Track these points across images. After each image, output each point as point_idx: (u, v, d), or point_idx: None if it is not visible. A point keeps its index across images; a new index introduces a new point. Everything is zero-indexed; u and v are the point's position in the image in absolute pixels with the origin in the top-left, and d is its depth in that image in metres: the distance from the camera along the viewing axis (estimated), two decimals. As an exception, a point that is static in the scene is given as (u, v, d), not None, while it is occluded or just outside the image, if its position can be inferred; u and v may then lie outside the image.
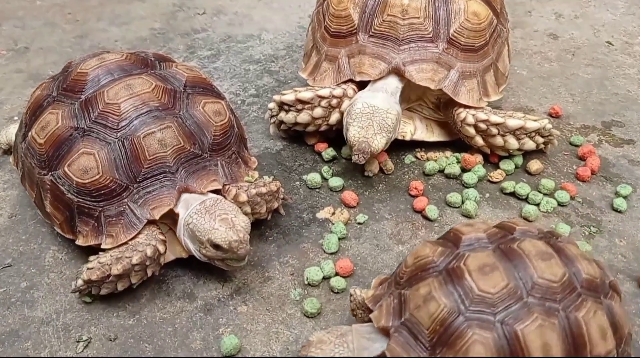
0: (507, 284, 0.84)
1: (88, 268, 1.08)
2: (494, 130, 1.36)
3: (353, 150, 1.29)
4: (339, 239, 1.28)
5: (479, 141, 1.39)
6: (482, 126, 1.36)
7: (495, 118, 1.35)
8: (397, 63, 1.37)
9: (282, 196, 1.30)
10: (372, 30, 1.40)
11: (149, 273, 1.10)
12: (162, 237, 1.11)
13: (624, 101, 1.66)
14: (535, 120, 1.36)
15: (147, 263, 1.08)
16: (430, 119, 1.49)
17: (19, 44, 1.94)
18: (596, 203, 1.36)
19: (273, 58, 1.87)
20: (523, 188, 1.37)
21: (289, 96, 1.41)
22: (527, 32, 1.97)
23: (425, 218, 1.33)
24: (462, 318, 0.83)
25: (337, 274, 1.20)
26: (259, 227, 1.30)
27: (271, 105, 1.47)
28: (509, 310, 0.82)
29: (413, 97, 1.45)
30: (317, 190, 1.41)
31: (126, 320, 1.12)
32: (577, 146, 1.51)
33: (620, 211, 1.33)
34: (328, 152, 1.48)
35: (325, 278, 1.20)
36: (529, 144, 1.39)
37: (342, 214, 1.33)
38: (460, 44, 1.39)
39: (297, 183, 1.43)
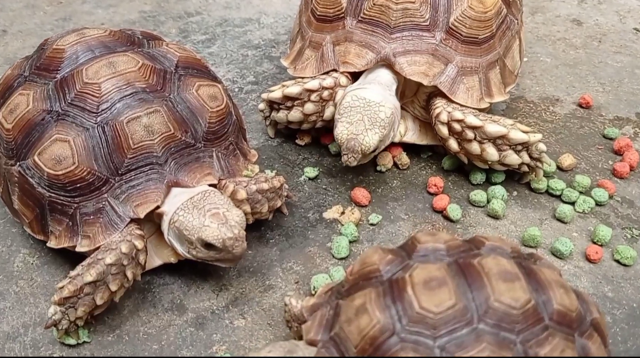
0: (454, 304, 0.70)
1: (58, 288, 0.91)
2: (470, 134, 1.16)
3: (342, 149, 1.13)
4: (350, 242, 1.13)
5: (453, 145, 1.19)
6: (457, 126, 1.16)
7: (472, 119, 1.15)
8: (386, 53, 1.21)
9: (285, 194, 1.15)
10: (362, 15, 1.24)
11: (129, 275, 0.94)
12: (139, 232, 0.96)
13: (659, 91, 1.51)
14: (525, 132, 1.15)
15: (125, 262, 0.92)
16: (422, 121, 1.31)
17: (-4, 26, 1.78)
18: (637, 203, 1.22)
19: (274, 43, 1.71)
20: (557, 184, 1.22)
21: (275, 93, 1.25)
22: (548, 18, 1.82)
23: (447, 218, 1.18)
24: (396, 338, 0.69)
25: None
26: (259, 228, 1.15)
27: (261, 106, 1.31)
28: (453, 335, 0.68)
29: (408, 93, 1.28)
30: (324, 187, 1.25)
31: (104, 335, 0.97)
32: (611, 139, 1.36)
33: (665, 212, 1.19)
34: (335, 144, 1.32)
35: (336, 287, 1.04)
36: (512, 159, 1.15)
37: (352, 214, 1.18)
38: (461, 35, 1.22)
39: (302, 178, 1.27)
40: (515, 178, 1.25)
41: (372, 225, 1.17)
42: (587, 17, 1.82)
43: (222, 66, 1.61)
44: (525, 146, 1.16)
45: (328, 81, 1.22)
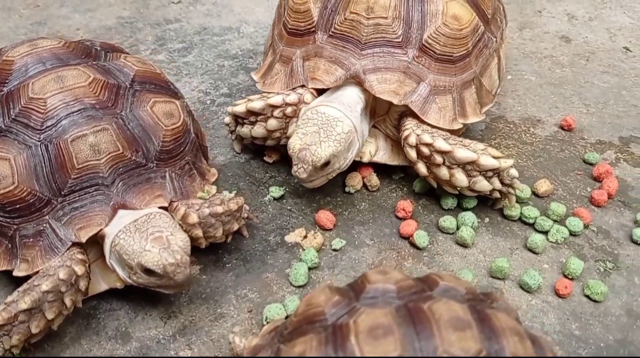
0: (399, 356, 0.64)
1: None
2: (438, 158, 1.11)
3: (293, 159, 1.08)
4: (310, 269, 1.08)
5: (422, 168, 1.14)
6: (425, 150, 1.11)
7: (441, 143, 1.10)
8: (356, 70, 1.16)
9: (245, 216, 1.10)
10: (333, 29, 1.19)
11: (68, 303, 0.89)
12: (80, 256, 0.91)
13: (645, 114, 1.46)
14: (496, 157, 1.10)
15: (62, 289, 0.88)
16: (394, 140, 1.25)
17: (-31, 29, 1.74)
18: (613, 233, 1.16)
19: (252, 54, 1.67)
20: (531, 211, 1.17)
21: (239, 107, 1.20)
22: (536, 34, 1.77)
23: (413, 245, 1.13)
24: None
25: (304, 312, 1.00)
26: (215, 252, 1.10)
27: (227, 120, 1.26)
28: None
29: (380, 111, 1.23)
30: (288, 208, 1.20)
31: (41, 365, 0.92)
32: (591, 164, 1.31)
33: (641, 244, 1.14)
34: (304, 163, 1.27)
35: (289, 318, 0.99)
36: (482, 185, 1.11)
37: (314, 238, 1.13)
38: (435, 53, 1.17)
39: (267, 198, 1.22)
40: (488, 203, 1.20)
41: (334, 250, 1.13)
42: (576, 34, 1.77)
43: (197, 77, 1.57)
44: (497, 172, 1.11)
45: (291, 97, 1.17)
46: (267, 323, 0.98)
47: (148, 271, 0.88)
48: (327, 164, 1.09)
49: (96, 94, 0.97)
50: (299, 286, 1.06)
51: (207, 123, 1.41)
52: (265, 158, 1.30)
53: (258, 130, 1.21)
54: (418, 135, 1.13)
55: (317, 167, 1.07)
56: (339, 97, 1.15)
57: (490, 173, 1.11)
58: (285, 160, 1.30)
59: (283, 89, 1.23)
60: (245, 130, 1.23)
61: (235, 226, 1.06)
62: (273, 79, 1.26)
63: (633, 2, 1.94)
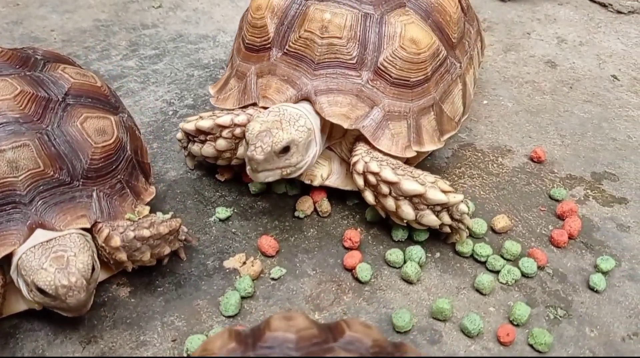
0: None
1: None
2: (385, 189, 1.06)
3: (250, 143, 1.01)
4: (243, 298, 1.04)
5: (369, 197, 1.09)
6: (372, 179, 1.06)
7: (387, 174, 1.05)
8: (308, 91, 1.11)
9: (183, 238, 1.06)
10: (287, 47, 1.15)
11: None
12: None
13: (621, 149, 1.39)
14: (445, 191, 1.05)
15: None
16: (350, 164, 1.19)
17: (-57, 25, 1.72)
18: (570, 277, 1.10)
19: (224, 64, 1.63)
20: (483, 249, 1.12)
21: (189, 125, 1.16)
22: (521, 57, 1.71)
23: (356, 278, 1.08)
24: None
25: (228, 345, 0.95)
26: (148, 273, 1.06)
27: (179, 135, 1.22)
28: None
29: (336, 134, 1.18)
30: (233, 231, 1.16)
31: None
32: (557, 200, 1.25)
33: (596, 291, 1.07)
34: (256, 184, 1.23)
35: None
36: (429, 220, 1.06)
37: (252, 265, 1.08)
38: (390, 77, 1.12)
39: (212, 218, 1.18)
40: (441, 236, 1.14)
41: (273, 279, 1.08)
42: (563, 59, 1.71)
43: (163, 85, 1.53)
44: (445, 206, 1.06)
45: (240, 118, 1.13)
46: (187, 354, 0.94)
47: (41, 291, 0.85)
48: (286, 150, 1.02)
49: (22, 108, 0.94)
50: (229, 317, 1.01)
51: (165, 135, 1.37)
52: (217, 176, 1.26)
53: (208, 149, 1.17)
54: (366, 162, 1.08)
55: (275, 150, 1.00)
56: None
57: (438, 207, 1.06)
58: (237, 179, 1.26)
59: (235, 105, 1.19)
60: (195, 148, 1.19)
61: (167, 250, 1.02)
62: (227, 95, 1.22)
63: (628, 27, 1.87)
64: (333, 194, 1.22)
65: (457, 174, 1.30)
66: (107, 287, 1.05)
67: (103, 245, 0.94)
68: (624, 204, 1.25)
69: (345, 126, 1.10)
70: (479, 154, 1.36)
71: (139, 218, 1.00)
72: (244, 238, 1.15)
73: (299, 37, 1.13)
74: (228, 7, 1.89)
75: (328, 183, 1.19)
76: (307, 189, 1.21)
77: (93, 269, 0.89)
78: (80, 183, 0.96)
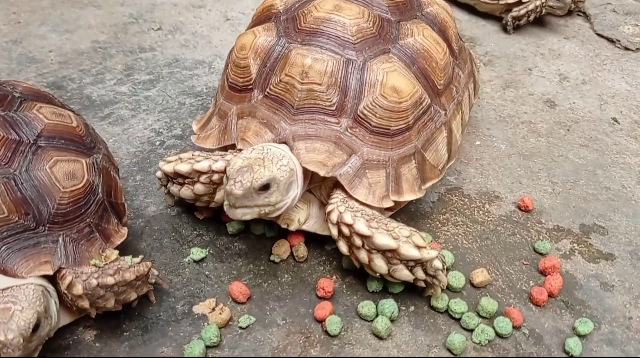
0: None
1: None
2: (358, 241, 1.04)
3: (230, 177, 0.99)
4: (208, 347, 1.02)
5: (342, 247, 1.07)
6: (345, 230, 1.05)
7: (360, 226, 1.02)
8: (286, 136, 1.10)
9: (153, 281, 1.05)
10: (268, 89, 1.13)
11: None
12: None
13: (614, 199, 1.35)
14: (419, 247, 1.03)
15: None
16: None
17: (-56, 42, 1.74)
18: (546, 339, 1.07)
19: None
20: (458, 306, 1.09)
21: (167, 166, 1.15)
22: (520, 95, 1.67)
23: (325, 331, 1.06)
24: None
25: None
26: (116, 316, 1.05)
27: (158, 174, 1.20)
28: None
29: (316, 178, 1.15)
30: (206, 273, 1.15)
31: None
32: (541, 254, 1.22)
33: (571, 356, 1.04)
34: (233, 224, 1.21)
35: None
36: (402, 274, 1.04)
37: (221, 312, 1.07)
38: (370, 125, 1.10)
39: (187, 259, 1.17)
40: (417, 289, 1.12)
41: (241, 328, 1.06)
42: (563, 99, 1.67)
43: (154, 113, 1.53)
44: (419, 262, 1.04)
45: (218, 165, 1.11)
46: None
47: None
48: (266, 188, 1.01)
49: (-9, 151, 0.94)
50: (193, 367, 1.00)
51: (150, 167, 1.37)
52: (196, 214, 1.25)
53: (185, 192, 1.16)
54: (340, 213, 1.06)
55: (255, 187, 0.99)
56: None
57: (412, 263, 1.04)
58: (216, 218, 1.25)
59: (215, 145, 1.18)
60: (174, 189, 1.18)
61: (133, 296, 1.01)
62: (208, 133, 1.21)
63: (635, 66, 1.82)
64: (311, 238, 1.20)
65: (441, 220, 1.28)
66: (73, 329, 1.04)
67: (65, 291, 0.93)
68: (610, 261, 1.21)
69: (322, 173, 1.08)
70: (466, 199, 1.33)
71: (105, 264, 0.99)
72: (217, 281, 1.14)
73: (280, 80, 1.12)
74: (227, 31, 1.88)
75: (305, 227, 1.17)
76: (285, 232, 1.19)
77: (37, 327, 0.88)
78: (46, 228, 0.95)
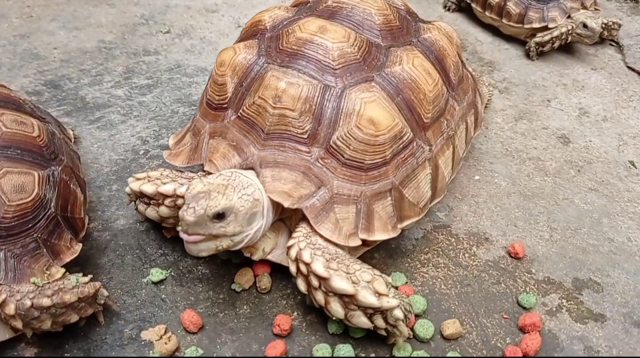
0: None
1: None
2: (315, 281, 0.97)
3: (185, 202, 0.94)
4: (148, 379, 0.97)
5: (300, 285, 1.00)
6: (303, 268, 0.98)
7: (317, 267, 0.96)
8: (253, 161, 1.04)
9: (102, 302, 1.01)
10: (241, 111, 1.07)
11: None
12: None
13: (616, 253, 1.24)
14: (380, 294, 0.95)
15: None
16: None
17: (-46, 32, 1.75)
18: (514, 407, 0.98)
19: (213, 102, 1.57)
20: (421, 358, 1.01)
21: (134, 185, 1.10)
22: (533, 128, 1.57)
23: (274, 372, 1.00)
24: None
25: None
26: (60, 335, 1.01)
27: (127, 189, 1.15)
28: None
29: (288, 208, 1.08)
30: (162, 297, 1.10)
31: None
32: (524, 308, 1.12)
33: None
34: (199, 246, 1.16)
35: None
36: (360, 321, 0.97)
37: (167, 342, 1.02)
38: (343, 157, 1.03)
39: (145, 279, 1.13)
40: (381, 336, 1.04)
41: (186, 360, 1.01)
42: (579, 136, 1.55)
43: (144, 120, 1.49)
44: (378, 310, 0.96)
45: (183, 189, 1.06)
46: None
47: None
48: (221, 217, 0.94)
49: (-63, 159, 0.91)
50: (128, 398, 0.95)
51: (128, 177, 1.30)
52: (164, 231, 1.20)
53: (151, 213, 1.12)
54: (300, 249, 1.00)
55: (209, 215, 0.92)
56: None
57: (370, 310, 0.96)
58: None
59: (185, 163, 1.14)
60: (141, 208, 1.14)
61: (74, 318, 0.97)
62: (179, 150, 1.16)
63: (666, 104, 1.68)
64: (278, 268, 1.13)
65: (422, 260, 1.19)
66: (15, 345, 1.01)
67: (-1, 310, 0.90)
68: (600, 323, 1.11)
69: (286, 204, 1.02)
70: (452, 239, 1.25)
71: (45, 283, 0.95)
72: (172, 306, 1.09)
73: (253, 102, 1.06)
74: (236, 38, 1.83)
75: (270, 257, 1.11)
76: (250, 262, 1.13)
77: None
78: (-12, 241, 0.92)
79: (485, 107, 1.58)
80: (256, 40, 1.14)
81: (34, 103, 1.23)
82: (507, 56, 1.84)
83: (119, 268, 1.14)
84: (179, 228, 0.97)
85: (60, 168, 1.04)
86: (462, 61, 1.31)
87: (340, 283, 0.95)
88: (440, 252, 1.22)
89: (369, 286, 0.96)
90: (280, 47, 1.09)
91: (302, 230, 1.03)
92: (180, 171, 1.14)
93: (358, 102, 1.02)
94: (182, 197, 1.05)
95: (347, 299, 0.96)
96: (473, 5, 1.93)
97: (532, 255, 1.22)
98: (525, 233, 1.27)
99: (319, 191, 1.03)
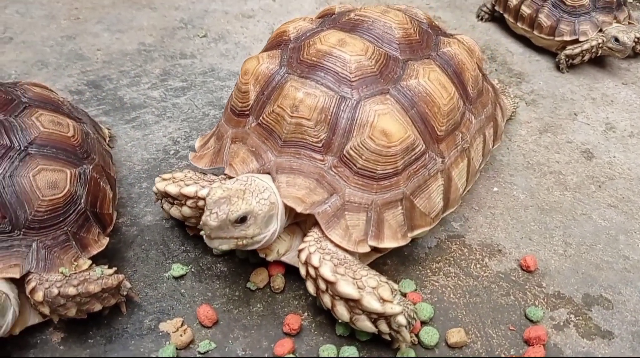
0: None
1: None
2: (322, 285, 1.01)
3: (207, 208, 1.00)
4: (163, 368, 1.04)
5: (310, 287, 1.05)
6: (312, 272, 1.03)
7: (325, 271, 1.00)
8: (270, 167, 1.09)
9: (125, 293, 1.08)
10: (261, 118, 1.13)
11: None
12: None
13: (630, 271, 1.24)
14: (384, 300, 0.98)
15: None
16: None
17: (7, 32, 1.86)
18: (512, 417, 1.00)
19: (243, 106, 1.63)
20: (424, 365, 1.04)
21: (160, 185, 1.17)
22: (557, 142, 1.57)
23: (281, 369, 1.05)
24: None
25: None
26: (86, 322, 1.09)
27: (154, 189, 1.22)
28: None
29: (302, 213, 1.13)
30: (182, 291, 1.16)
31: None
32: (531, 321, 1.14)
33: None
34: (219, 245, 1.22)
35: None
36: (364, 325, 1.01)
37: (183, 334, 1.08)
38: (355, 166, 1.07)
39: (167, 274, 1.19)
40: (386, 340, 1.08)
41: (200, 353, 1.07)
42: (603, 151, 1.55)
43: (177, 121, 1.56)
44: (382, 315, 1.00)
45: (204, 191, 1.12)
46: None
47: None
48: (242, 221, 1.01)
49: (-23, 155, 0.99)
50: (143, 385, 1.02)
51: (158, 175, 1.40)
52: (187, 229, 1.27)
53: (174, 212, 1.19)
54: (310, 253, 1.04)
55: (231, 219, 0.99)
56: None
57: (375, 315, 1.00)
58: (205, 236, 1.26)
59: (208, 165, 1.20)
60: (166, 206, 1.21)
61: (98, 307, 1.04)
62: (203, 153, 1.23)
63: (699, 121, 1.66)
64: (292, 270, 1.18)
65: (433, 269, 1.22)
66: (43, 329, 1.08)
67: (29, 295, 0.98)
68: (607, 340, 1.12)
69: (299, 209, 1.07)
70: (465, 250, 1.27)
71: (72, 273, 1.02)
72: (190, 300, 1.15)
73: (272, 111, 1.11)
74: (269, 44, 1.89)
75: (284, 259, 1.16)
76: (265, 262, 1.19)
77: None
78: (22, 232, 1.00)
79: (510, 119, 1.59)
80: (279, 50, 1.19)
81: (72, 104, 1.31)
82: (537, 68, 1.84)
83: (143, 262, 1.21)
84: (202, 233, 1.04)
85: (91, 167, 1.12)
86: (483, 74, 1.33)
87: (346, 287, 0.99)
88: (452, 261, 1.24)
89: (374, 292, 1.00)
90: (301, 59, 1.14)
91: (313, 234, 1.08)
92: (204, 173, 1.20)
93: (372, 113, 1.06)
94: (203, 199, 1.11)
95: (353, 303, 1.00)
96: (505, 15, 1.93)
97: (544, 269, 1.24)
98: (540, 247, 1.28)
99: (331, 198, 1.07)
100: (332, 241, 1.06)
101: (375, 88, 1.10)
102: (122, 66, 1.75)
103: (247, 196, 1.02)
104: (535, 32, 1.83)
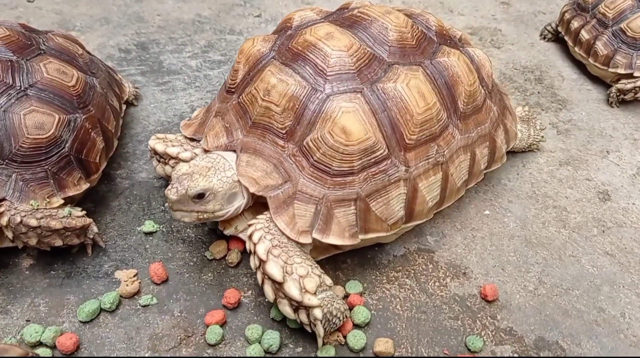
0: None
1: None
2: (256, 262, 1.05)
3: (170, 181, 1.10)
4: (102, 310, 1.12)
5: (252, 263, 1.07)
6: (251, 247, 1.07)
7: (259, 248, 1.04)
8: (236, 145, 1.14)
9: (91, 236, 1.18)
10: (241, 97, 1.17)
11: None
12: None
13: (600, 325, 1.15)
14: (305, 290, 1.01)
15: None
16: None
17: (86, -12, 2.03)
18: None
19: (269, 88, 1.68)
20: (342, 366, 1.05)
21: (152, 141, 1.25)
22: (574, 177, 1.48)
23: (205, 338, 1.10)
24: None
25: (54, 347, 1.06)
26: (54, 255, 1.20)
27: (149, 145, 1.30)
28: None
29: None
30: (147, 247, 1.24)
31: None
32: (469, 350, 1.10)
33: None
34: (192, 212, 1.29)
35: (42, 345, 1.06)
36: (284, 310, 1.05)
37: (130, 284, 1.16)
38: (312, 158, 1.08)
39: (139, 228, 1.27)
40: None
41: (141, 305, 1.14)
42: (623, 196, 1.44)
43: (202, 92, 1.64)
44: (302, 305, 1.02)
45: (185, 154, 1.19)
46: (22, 340, 1.06)
47: None
48: (201, 197, 1.08)
49: (-21, 89, 1.12)
50: (81, 322, 1.10)
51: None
52: (171, 192, 1.34)
53: (159, 169, 1.27)
54: (255, 230, 1.07)
55: (190, 195, 1.07)
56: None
57: (295, 302, 1.02)
58: (185, 201, 1.33)
59: (190, 134, 1.26)
60: (154, 163, 1.29)
61: (59, 242, 1.14)
62: (191, 123, 1.29)
63: None
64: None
65: (390, 277, 1.21)
66: (18, 253, 1.21)
67: (-3, 218, 1.09)
68: (543, 388, 1.06)
69: (252, 190, 1.10)
70: (430, 266, 1.24)
71: (40, 207, 1.12)
72: (150, 257, 1.22)
73: (249, 91, 1.15)
74: (317, 32, 1.92)
75: (241, 235, 1.20)
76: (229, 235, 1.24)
77: None
78: (4, 163, 1.11)
79: (531, 148, 1.52)
80: (277, 35, 1.22)
81: (96, 58, 1.42)
82: (584, 97, 1.73)
83: (124, 213, 1.30)
84: (166, 204, 1.11)
85: (85, 117, 1.22)
86: (489, 92, 1.28)
87: (273, 268, 1.02)
88: (412, 274, 1.22)
89: (299, 280, 1.02)
90: (289, 46, 1.16)
91: (264, 214, 1.11)
92: (197, 141, 1.26)
93: (337, 109, 1.07)
94: (183, 161, 1.18)
95: (277, 286, 1.03)
96: (566, 38, 1.83)
97: (504, 302, 1.19)
98: (509, 279, 1.23)
99: (285, 185, 1.10)
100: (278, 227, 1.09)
101: (349, 85, 1.10)
102: (173, 32, 1.85)
103: (210, 173, 1.08)
104: (591, 60, 1.72)
